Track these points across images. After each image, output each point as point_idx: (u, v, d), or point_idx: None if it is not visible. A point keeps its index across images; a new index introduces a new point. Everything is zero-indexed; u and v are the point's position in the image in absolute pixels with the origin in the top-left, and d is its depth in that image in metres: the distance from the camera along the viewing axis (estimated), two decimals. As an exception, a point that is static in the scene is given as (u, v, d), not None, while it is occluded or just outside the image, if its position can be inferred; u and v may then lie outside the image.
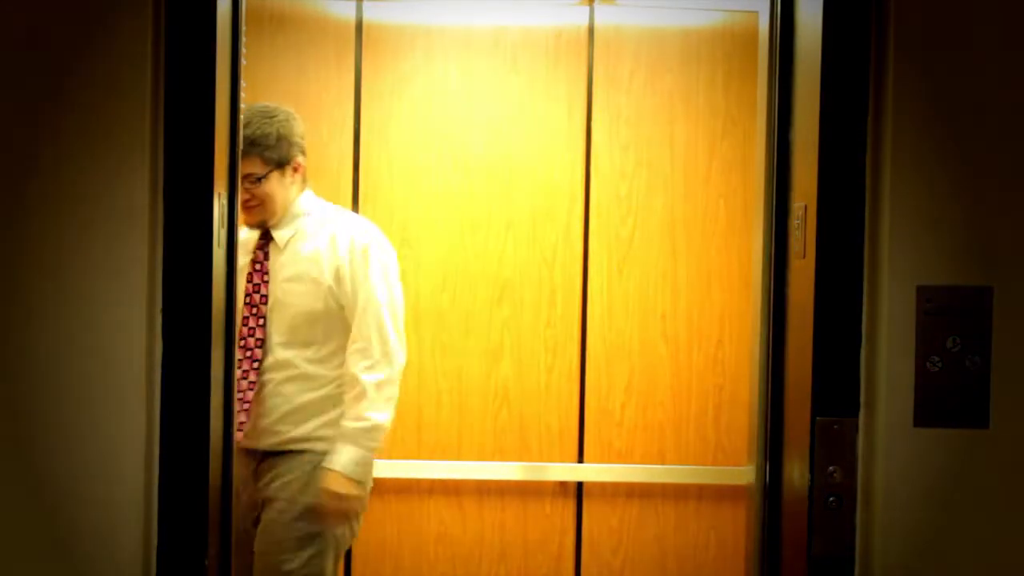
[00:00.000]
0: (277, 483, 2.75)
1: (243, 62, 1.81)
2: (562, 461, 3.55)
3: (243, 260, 2.73)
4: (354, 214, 2.96)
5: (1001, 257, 1.61)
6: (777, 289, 1.87)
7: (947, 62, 1.60)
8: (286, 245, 2.78)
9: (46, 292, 1.57)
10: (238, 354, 2.65)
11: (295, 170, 2.79)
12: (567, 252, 3.54)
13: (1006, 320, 1.61)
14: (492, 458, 3.54)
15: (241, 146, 2.37)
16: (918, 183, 1.60)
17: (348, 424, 2.70)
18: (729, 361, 3.54)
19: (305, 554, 2.70)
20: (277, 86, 3.47)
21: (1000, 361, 1.61)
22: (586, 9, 3.51)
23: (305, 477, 2.72)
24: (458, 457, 3.54)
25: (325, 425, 2.75)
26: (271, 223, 2.79)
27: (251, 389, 2.72)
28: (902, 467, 1.62)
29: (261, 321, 2.74)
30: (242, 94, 1.82)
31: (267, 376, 2.74)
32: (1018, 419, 1.61)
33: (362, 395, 2.70)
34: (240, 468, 2.76)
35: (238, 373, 2.65)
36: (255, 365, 2.73)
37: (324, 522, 2.71)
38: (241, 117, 1.81)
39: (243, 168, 2.47)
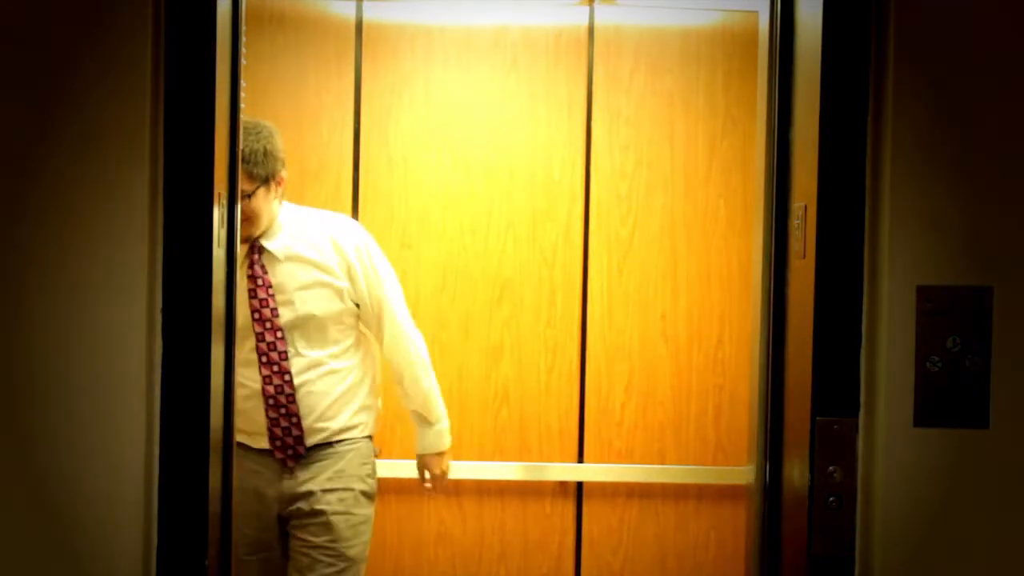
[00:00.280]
0: (328, 473, 2.84)
1: (243, 62, 1.80)
2: (562, 461, 3.55)
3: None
4: (330, 212, 2.96)
5: (1001, 257, 1.61)
6: (777, 289, 1.87)
7: (947, 62, 1.60)
8: (285, 254, 2.81)
9: (46, 291, 1.57)
10: (264, 371, 2.75)
11: (278, 184, 2.81)
12: (567, 252, 3.54)
13: (1006, 320, 1.61)
14: (492, 458, 3.54)
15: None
16: (918, 183, 1.60)
17: (420, 408, 3.01)
18: (729, 361, 3.54)
19: (363, 538, 2.90)
20: (277, 86, 3.48)
21: (1000, 361, 1.61)
22: (586, 9, 3.51)
23: (353, 464, 2.88)
24: (458, 457, 3.53)
25: (356, 412, 2.89)
26: (256, 236, 2.79)
27: (291, 402, 2.78)
28: (902, 467, 1.62)
29: (279, 333, 2.78)
30: (242, 94, 1.82)
31: (301, 379, 2.80)
32: (1018, 419, 1.61)
33: (415, 383, 2.98)
34: (264, 465, 2.81)
35: (271, 389, 2.75)
36: (287, 378, 2.78)
37: (435, 491, 3.11)
38: (241, 117, 1.81)
39: None
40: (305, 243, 2.83)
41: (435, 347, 3.52)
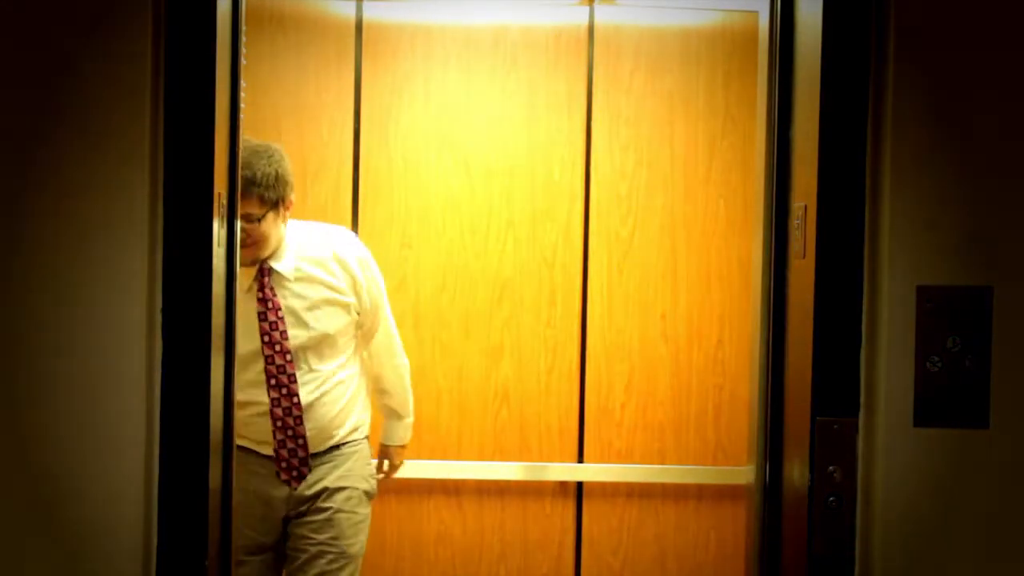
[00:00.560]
0: (337, 473, 2.89)
1: (243, 62, 1.80)
2: (562, 461, 3.55)
3: (240, 297, 2.74)
4: (327, 225, 2.96)
5: (1001, 257, 1.61)
6: (777, 289, 1.87)
7: (947, 62, 1.60)
8: (293, 274, 2.80)
9: (46, 291, 1.57)
10: (272, 393, 2.77)
11: (287, 208, 2.80)
12: (567, 252, 3.54)
13: (1006, 320, 1.61)
14: (492, 458, 3.54)
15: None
16: (918, 183, 1.60)
17: (397, 406, 3.14)
18: (729, 361, 3.54)
19: (363, 537, 2.96)
20: (277, 86, 3.48)
21: (1000, 361, 1.61)
22: (586, 9, 3.51)
23: (358, 465, 2.94)
24: (458, 457, 3.54)
25: (359, 415, 2.97)
26: (263, 257, 2.78)
27: (299, 424, 2.80)
28: (902, 467, 1.62)
29: (288, 356, 2.78)
30: (242, 94, 1.82)
31: (316, 394, 2.83)
32: (1018, 419, 1.61)
33: (397, 382, 3.11)
34: (269, 472, 2.83)
35: (279, 412, 2.77)
36: (295, 400, 2.79)
37: (389, 476, 3.21)
38: (241, 117, 1.81)
39: (241, 207, 2.52)
40: (312, 262, 2.83)
41: (435, 347, 3.52)
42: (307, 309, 2.81)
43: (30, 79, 1.57)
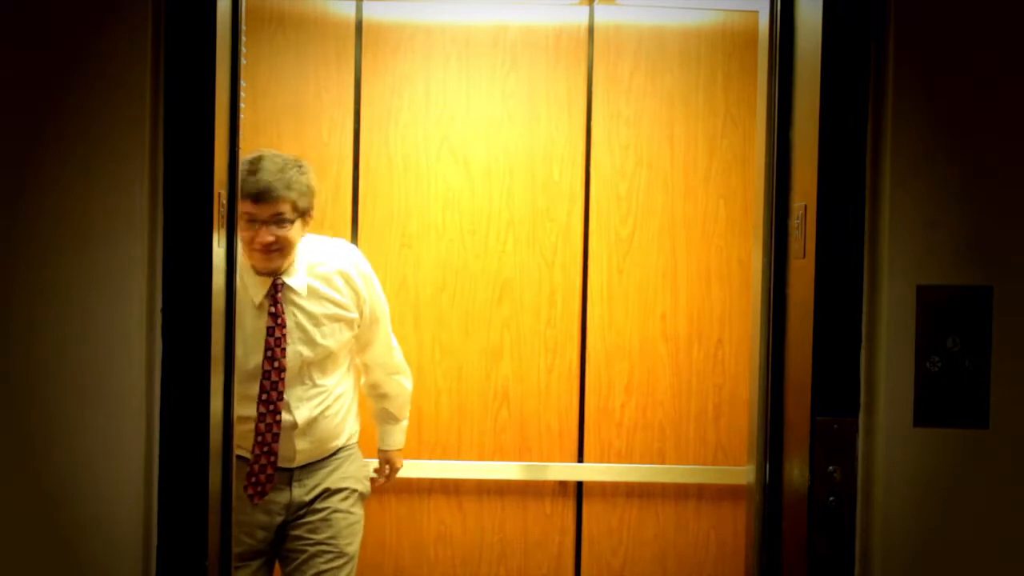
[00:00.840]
0: (335, 476, 2.92)
1: (243, 62, 1.80)
2: (562, 461, 3.55)
3: (249, 312, 2.76)
4: (331, 239, 2.97)
5: (1001, 257, 1.61)
6: (777, 289, 1.87)
7: (947, 62, 1.60)
8: (305, 290, 2.81)
9: (46, 291, 1.57)
10: (260, 408, 2.75)
11: (309, 220, 2.83)
12: (567, 252, 3.54)
13: (1006, 320, 1.61)
14: (492, 458, 3.54)
15: (270, 193, 2.63)
16: (918, 183, 1.60)
17: (396, 409, 3.14)
18: (729, 361, 3.54)
19: (358, 537, 2.97)
20: (277, 86, 3.48)
21: (1000, 361, 1.61)
22: (586, 8, 3.51)
23: (354, 467, 2.97)
24: (458, 457, 3.54)
25: (353, 422, 3.00)
26: (281, 269, 2.78)
27: (275, 440, 2.78)
28: (902, 467, 1.62)
29: (283, 374, 2.77)
30: (242, 94, 1.82)
31: (320, 408, 2.85)
32: (1018, 419, 1.61)
33: (399, 389, 3.12)
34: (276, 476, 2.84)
35: (262, 427, 2.77)
36: (277, 419, 2.78)
37: (388, 483, 3.23)
38: (241, 117, 1.81)
39: (274, 208, 2.66)
40: (320, 278, 2.85)
41: (435, 347, 3.52)
42: (315, 326, 2.82)
43: (30, 79, 1.57)
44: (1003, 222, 1.61)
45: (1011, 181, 1.61)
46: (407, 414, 3.18)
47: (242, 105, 1.82)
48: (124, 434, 1.58)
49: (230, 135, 1.75)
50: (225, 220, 1.73)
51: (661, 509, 3.57)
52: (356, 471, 2.96)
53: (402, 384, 3.12)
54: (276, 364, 2.77)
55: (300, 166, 2.77)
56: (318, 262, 2.86)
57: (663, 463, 3.55)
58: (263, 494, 2.81)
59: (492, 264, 3.53)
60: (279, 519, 2.86)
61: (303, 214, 2.76)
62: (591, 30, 3.52)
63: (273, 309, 2.76)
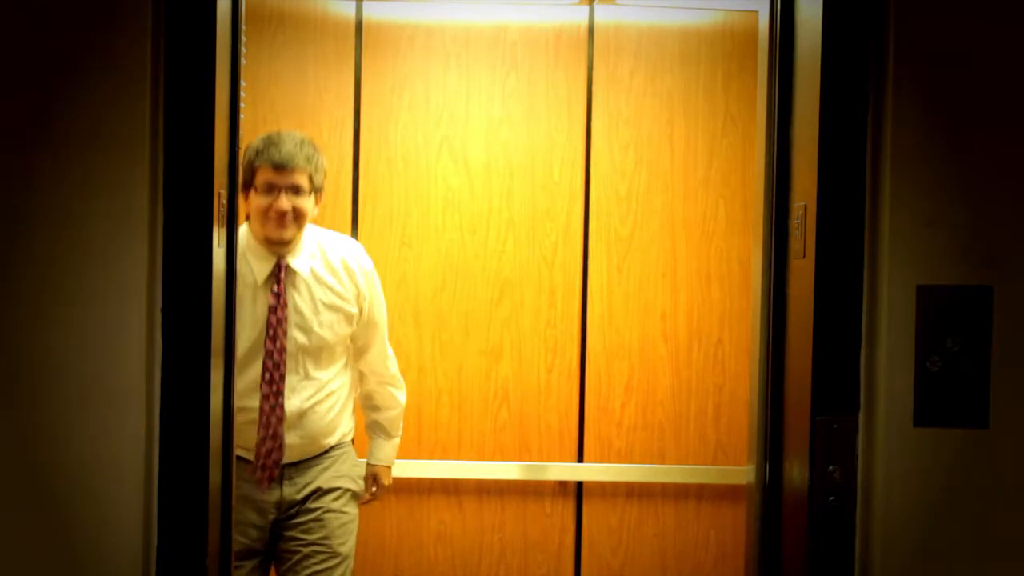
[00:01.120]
0: (328, 475, 2.91)
1: (243, 62, 1.80)
2: (562, 461, 3.55)
3: (249, 292, 2.79)
4: (336, 233, 3.00)
5: (1001, 257, 1.61)
6: (777, 289, 1.87)
7: (947, 62, 1.60)
8: (307, 275, 2.84)
9: (46, 291, 1.57)
10: (264, 389, 2.77)
11: (318, 201, 2.88)
12: (567, 252, 3.54)
13: (1006, 320, 1.61)
14: (492, 458, 3.54)
15: (292, 160, 2.73)
16: (918, 183, 1.60)
17: (387, 422, 3.10)
18: (729, 361, 3.54)
19: (352, 536, 2.97)
20: (277, 86, 3.48)
21: (1000, 361, 1.61)
22: (586, 8, 3.51)
23: (347, 466, 2.96)
24: (458, 457, 3.54)
25: (347, 421, 2.98)
26: (289, 248, 2.81)
27: (279, 423, 2.79)
28: (902, 467, 1.62)
29: (284, 355, 2.79)
30: (242, 94, 1.82)
31: (312, 401, 2.85)
32: (1018, 419, 1.61)
33: (392, 401, 3.09)
34: (255, 476, 2.83)
35: (266, 408, 2.77)
36: (280, 400, 2.79)
37: (374, 500, 3.14)
38: (241, 117, 1.81)
39: (293, 177, 2.75)
40: (323, 265, 2.88)
41: (435, 347, 3.52)
42: (313, 312, 2.83)
43: (30, 79, 1.57)
44: (1003, 222, 1.61)
45: (1011, 181, 1.61)
46: (399, 430, 3.13)
47: (242, 105, 1.82)
48: (124, 433, 1.58)
49: (230, 135, 1.75)
50: (225, 220, 1.73)
51: (661, 509, 3.57)
52: (349, 470, 2.96)
53: (394, 396, 3.09)
54: (278, 344, 2.78)
55: (316, 148, 2.87)
56: (323, 251, 2.89)
57: (663, 463, 3.55)
58: (272, 479, 2.81)
59: (492, 264, 3.53)
60: (271, 517, 2.86)
61: (317, 191, 2.84)
62: (591, 30, 3.52)
63: (276, 288, 2.79)
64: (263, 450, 2.78)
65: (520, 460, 3.54)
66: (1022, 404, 1.61)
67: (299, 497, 2.87)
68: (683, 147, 3.53)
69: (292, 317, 2.80)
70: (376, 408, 3.08)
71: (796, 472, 1.74)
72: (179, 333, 1.61)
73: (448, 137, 3.52)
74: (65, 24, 1.57)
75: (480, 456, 3.54)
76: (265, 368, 2.78)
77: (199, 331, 1.62)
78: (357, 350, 2.98)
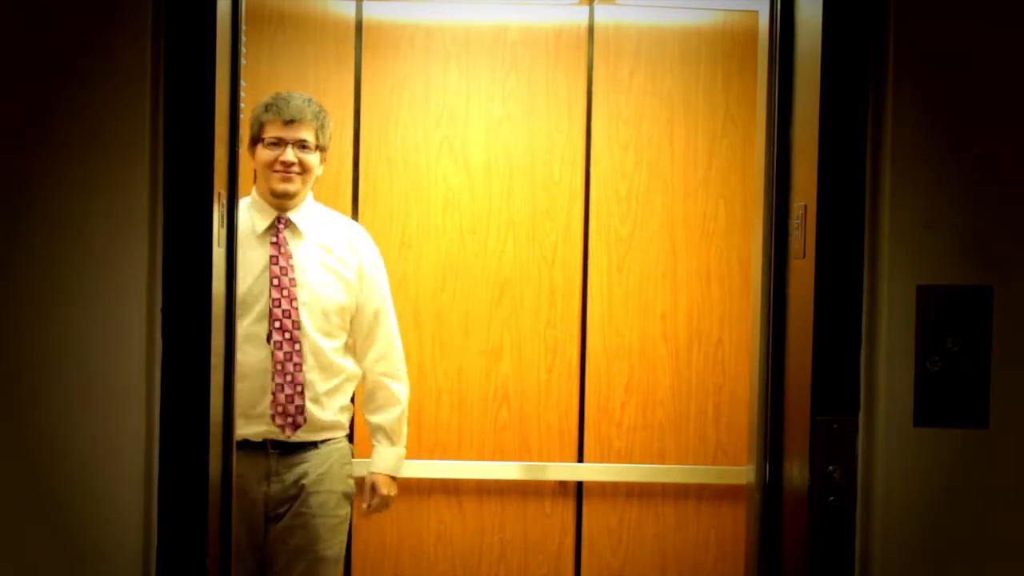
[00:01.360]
0: (314, 476, 2.87)
1: (243, 62, 1.80)
2: (562, 461, 3.55)
3: (250, 241, 2.83)
4: (348, 217, 3.05)
5: (1001, 257, 1.61)
6: (777, 289, 1.87)
7: (946, 62, 1.60)
8: (308, 233, 2.88)
9: (46, 291, 1.57)
10: (276, 335, 2.79)
11: (323, 161, 2.95)
12: (567, 252, 3.54)
13: (1006, 320, 1.61)
14: (492, 458, 3.54)
15: (300, 114, 2.80)
16: (918, 183, 1.60)
17: (389, 426, 3.00)
18: (729, 361, 3.54)
19: (340, 538, 2.93)
20: (277, 86, 3.47)
21: (1000, 361, 1.61)
22: (586, 8, 3.51)
23: (335, 466, 2.91)
24: (458, 457, 3.54)
25: (341, 411, 2.93)
26: (292, 204, 2.87)
27: (298, 371, 2.81)
28: (902, 467, 1.62)
29: (295, 303, 2.82)
30: (242, 94, 1.82)
31: (296, 359, 2.85)
32: (1018, 419, 1.61)
33: (393, 399, 3.00)
34: (255, 466, 2.81)
35: (280, 355, 2.79)
36: (297, 347, 2.81)
37: (371, 514, 3.02)
38: (241, 117, 1.81)
39: (301, 131, 2.82)
40: (327, 230, 2.93)
41: (435, 347, 3.52)
42: (311, 270, 2.86)
43: (30, 78, 1.57)
44: (1003, 222, 1.61)
45: (1011, 181, 1.61)
46: (401, 437, 3.02)
47: (242, 105, 1.82)
48: (124, 434, 1.58)
49: (230, 135, 1.75)
50: (225, 220, 1.73)
51: (661, 509, 3.57)
52: (339, 469, 2.92)
53: (394, 392, 3.00)
54: (286, 292, 2.80)
55: (322, 106, 2.95)
56: (331, 221, 2.97)
57: (663, 463, 3.55)
58: (296, 426, 2.81)
59: (492, 264, 3.53)
60: (260, 511, 2.84)
61: (322, 150, 2.91)
62: (591, 30, 3.52)
63: (275, 239, 2.84)
64: (282, 396, 2.79)
65: (520, 460, 3.54)
66: (1022, 404, 1.61)
67: (285, 496, 2.84)
68: (683, 147, 3.53)
69: (298, 270, 2.83)
70: (377, 409, 3.01)
71: (796, 472, 1.74)
72: (179, 333, 1.61)
73: (448, 137, 3.52)
74: (65, 24, 1.57)
75: (480, 456, 3.54)
76: (273, 316, 2.79)
77: (199, 331, 1.62)
78: (360, 341, 2.95)
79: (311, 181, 2.91)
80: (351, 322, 2.94)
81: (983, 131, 1.61)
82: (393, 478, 3.00)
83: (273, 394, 2.79)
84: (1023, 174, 1.61)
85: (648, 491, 3.57)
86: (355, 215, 3.48)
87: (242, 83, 1.81)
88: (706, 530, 3.57)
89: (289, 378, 2.80)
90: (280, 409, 2.80)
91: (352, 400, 3.00)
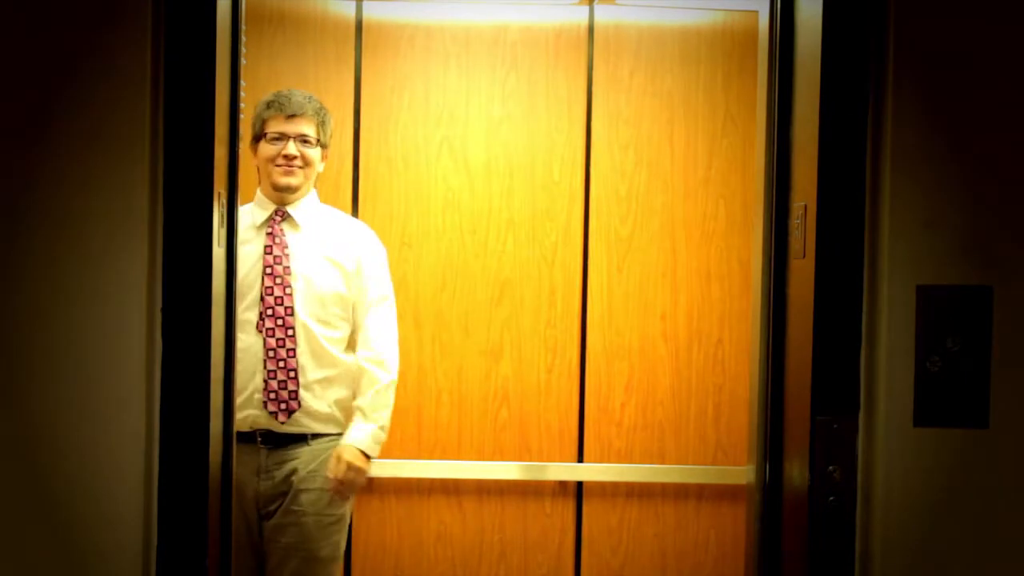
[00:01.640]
0: (303, 473, 2.87)
1: (243, 62, 1.80)
2: (562, 461, 3.55)
3: (249, 235, 2.88)
4: (351, 216, 3.08)
5: (1001, 257, 1.61)
6: (777, 289, 1.87)
7: (947, 61, 1.60)
8: (305, 226, 2.92)
9: (46, 291, 1.57)
10: (268, 323, 2.81)
11: (324, 159, 3.00)
12: (567, 252, 3.54)
13: (1006, 320, 1.61)
14: (492, 458, 3.54)
15: (301, 109, 2.85)
16: (918, 183, 1.60)
17: (363, 404, 2.91)
18: (729, 361, 3.54)
19: (335, 538, 2.91)
20: (277, 86, 3.47)
21: (1000, 361, 1.61)
22: (586, 8, 3.51)
23: (326, 463, 2.88)
24: (458, 457, 3.54)
25: (334, 404, 2.92)
26: (293, 198, 2.92)
27: (291, 356, 2.83)
28: (902, 467, 1.62)
29: (288, 290, 2.85)
30: (242, 94, 1.82)
31: (290, 345, 2.87)
32: (1018, 419, 1.61)
33: (373, 380, 2.92)
34: (246, 462, 2.81)
35: (272, 342, 2.81)
36: (290, 333, 2.83)
37: (339, 495, 2.89)
38: (241, 116, 1.81)
39: (302, 126, 2.88)
40: (326, 224, 2.97)
41: (435, 347, 3.52)
42: (311, 258, 2.89)
43: (30, 78, 1.57)
44: (1003, 222, 1.61)
45: (1011, 181, 1.61)
46: (379, 418, 2.89)
47: (242, 105, 1.82)
48: (124, 433, 1.58)
49: (230, 135, 1.75)
50: (225, 220, 1.73)
51: (661, 509, 3.57)
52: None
53: (374, 375, 2.89)
54: (279, 281, 2.83)
55: (323, 104, 3.00)
56: (332, 216, 3.01)
57: (663, 463, 3.55)
58: (290, 411, 2.82)
59: (492, 264, 3.53)
60: (252, 507, 2.85)
61: (324, 146, 2.96)
62: (591, 30, 3.52)
63: (271, 229, 2.89)
64: (274, 383, 2.81)
65: (520, 460, 3.54)
66: (1022, 404, 1.61)
67: (276, 492, 2.84)
68: (683, 147, 3.53)
69: (295, 259, 2.86)
70: (359, 392, 2.91)
71: (796, 472, 1.74)
72: (179, 333, 1.61)
73: (448, 137, 3.52)
74: (65, 24, 1.57)
75: (480, 456, 3.54)
76: (265, 304, 2.82)
77: (199, 331, 1.62)
78: (358, 328, 2.94)
79: (313, 176, 2.95)
80: (353, 314, 2.94)
81: (983, 131, 1.61)
82: (366, 455, 2.87)
83: (266, 382, 2.81)
84: (1023, 174, 1.61)
85: (648, 491, 3.56)
86: (355, 215, 3.48)
87: (242, 83, 1.81)
88: (706, 530, 3.57)
89: (282, 364, 2.82)
90: (273, 396, 2.81)
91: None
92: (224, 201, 1.72)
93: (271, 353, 2.81)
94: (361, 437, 2.87)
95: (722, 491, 3.55)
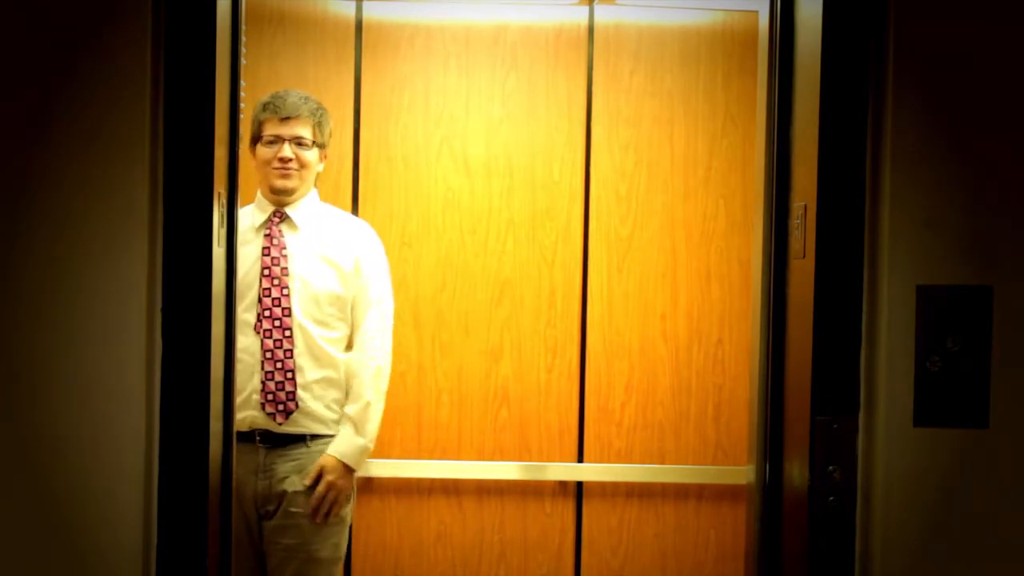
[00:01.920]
0: (299, 476, 2.87)
1: (243, 62, 1.80)
2: (562, 461, 3.55)
3: (249, 236, 2.89)
4: (353, 215, 3.07)
5: (1001, 257, 1.61)
6: (777, 289, 1.87)
7: (947, 61, 1.60)
8: (304, 226, 2.92)
9: (46, 291, 1.57)
10: (265, 324, 2.82)
11: (323, 159, 3.00)
12: (567, 252, 3.54)
13: (1006, 320, 1.61)
14: (492, 458, 3.54)
15: (296, 111, 2.84)
16: (918, 183, 1.60)
17: (353, 415, 2.90)
18: (729, 361, 3.54)
19: (333, 540, 2.91)
20: (277, 86, 3.47)
21: (1000, 361, 1.61)
22: (586, 8, 3.51)
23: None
24: (458, 457, 3.54)
25: (331, 404, 2.92)
26: (291, 200, 2.92)
27: (288, 357, 2.83)
28: (902, 467, 1.62)
29: (285, 292, 2.85)
30: (242, 94, 1.82)
31: (287, 346, 2.87)
32: (1018, 419, 1.61)
33: (365, 386, 2.91)
34: (245, 462, 2.81)
35: (269, 343, 2.82)
36: (287, 334, 2.84)
37: (316, 515, 2.86)
38: (241, 116, 1.81)
39: (298, 127, 2.88)
40: (326, 225, 2.97)
41: (435, 347, 3.52)
42: (309, 258, 2.89)
43: (30, 78, 1.57)
44: (1003, 222, 1.61)
45: (1011, 181, 1.61)
46: (367, 432, 2.88)
47: (242, 105, 1.82)
48: (124, 433, 1.58)
49: (230, 135, 1.75)
50: (225, 220, 1.73)
51: (661, 509, 3.57)
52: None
53: (364, 383, 2.87)
54: (276, 281, 2.84)
55: (321, 104, 3.00)
56: (332, 215, 3.01)
57: (663, 463, 3.55)
58: (287, 412, 2.82)
59: (492, 264, 3.53)
60: (251, 508, 2.85)
61: (321, 147, 2.96)
62: (591, 30, 3.52)
63: (268, 231, 2.89)
64: (272, 384, 2.81)
65: (520, 460, 3.54)
66: (1022, 404, 1.61)
67: (274, 492, 2.84)
68: (683, 147, 3.53)
69: (292, 260, 2.87)
70: (349, 399, 2.90)
71: (796, 472, 1.74)
72: (179, 333, 1.61)
73: (448, 137, 3.52)
74: (65, 24, 1.57)
75: (480, 456, 3.54)
76: (263, 306, 2.83)
77: (199, 331, 1.62)
78: (353, 328, 2.94)
79: (310, 177, 2.95)
80: (352, 313, 2.95)
81: (983, 131, 1.61)
82: (348, 468, 2.86)
83: (263, 383, 2.81)
84: (1023, 174, 1.61)
85: (648, 491, 3.56)
86: (355, 215, 3.48)
87: (242, 83, 1.81)
88: (706, 530, 3.57)
89: (279, 365, 2.82)
90: (271, 397, 2.81)
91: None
92: (224, 201, 1.72)
93: (268, 354, 2.82)
94: (350, 452, 2.88)
95: (722, 491, 3.55)
